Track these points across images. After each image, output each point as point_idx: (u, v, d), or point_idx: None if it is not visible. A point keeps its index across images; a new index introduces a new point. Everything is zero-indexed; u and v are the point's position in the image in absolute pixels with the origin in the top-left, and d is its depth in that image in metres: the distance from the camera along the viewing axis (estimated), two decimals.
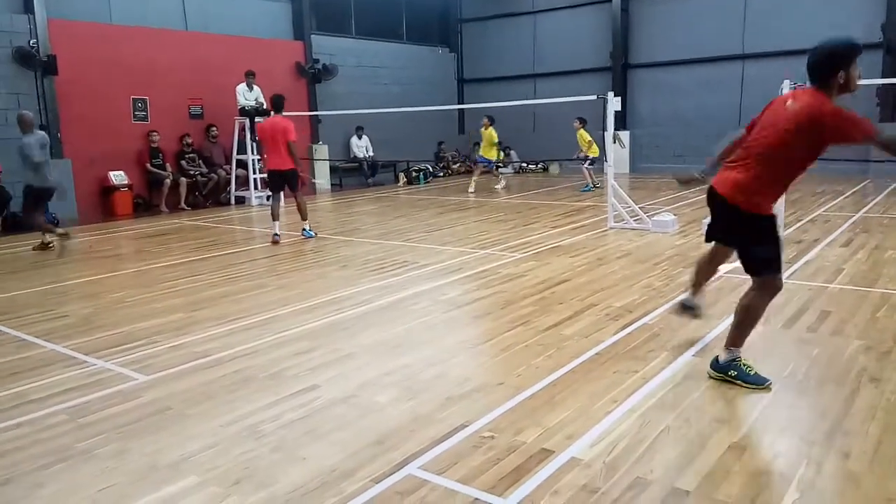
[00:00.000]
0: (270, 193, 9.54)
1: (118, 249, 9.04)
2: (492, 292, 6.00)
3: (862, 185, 12.83)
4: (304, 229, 9.26)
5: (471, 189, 14.36)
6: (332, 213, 12.41)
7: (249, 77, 13.55)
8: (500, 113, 15.95)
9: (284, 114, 9.35)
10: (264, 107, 13.57)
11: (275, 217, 9.09)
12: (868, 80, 11.99)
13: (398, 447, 3.15)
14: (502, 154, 16.03)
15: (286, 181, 9.08)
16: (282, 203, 9.29)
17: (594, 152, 13.88)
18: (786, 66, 14.57)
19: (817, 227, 8.63)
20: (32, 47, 11.42)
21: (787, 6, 15.39)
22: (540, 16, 19.20)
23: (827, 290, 5.65)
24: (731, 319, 4.75)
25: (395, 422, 3.43)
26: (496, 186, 14.74)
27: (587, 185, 13.93)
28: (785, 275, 6.10)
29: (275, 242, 8.89)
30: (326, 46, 16.62)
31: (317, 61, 16.19)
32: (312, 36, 16.32)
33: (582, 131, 14.03)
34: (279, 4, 15.83)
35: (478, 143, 16.20)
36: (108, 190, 12.53)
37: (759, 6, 15.80)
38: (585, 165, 13.97)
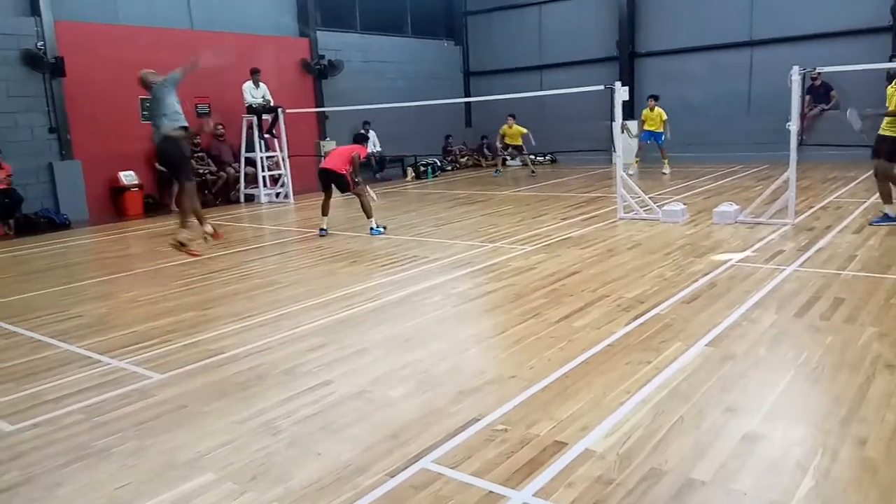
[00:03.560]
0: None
1: (130, 249, 9.10)
2: (502, 285, 6.00)
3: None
4: (371, 228, 9.04)
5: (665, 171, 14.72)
6: (341, 209, 12.40)
7: (255, 75, 13.56)
8: (506, 105, 15.90)
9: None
10: (271, 104, 13.59)
11: (323, 213, 9.29)
12: (877, 63, 11.94)
13: (412, 441, 3.16)
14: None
15: (334, 182, 9.12)
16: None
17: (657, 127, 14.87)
18: (795, 52, 14.51)
19: (829, 213, 8.57)
20: (40, 49, 11.48)
21: None
22: (545, 6, 19.10)
23: (840, 277, 5.62)
24: (742, 309, 4.77)
25: (409, 416, 3.44)
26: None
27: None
28: (797, 262, 6.09)
29: (320, 237, 9.07)
30: (332, 42, 16.60)
31: (322, 57, 16.19)
32: (318, 32, 16.31)
33: (658, 109, 14.63)
34: (284, 1, 15.82)
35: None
36: (118, 190, 12.60)
37: None
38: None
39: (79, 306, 6.11)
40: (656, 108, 14.71)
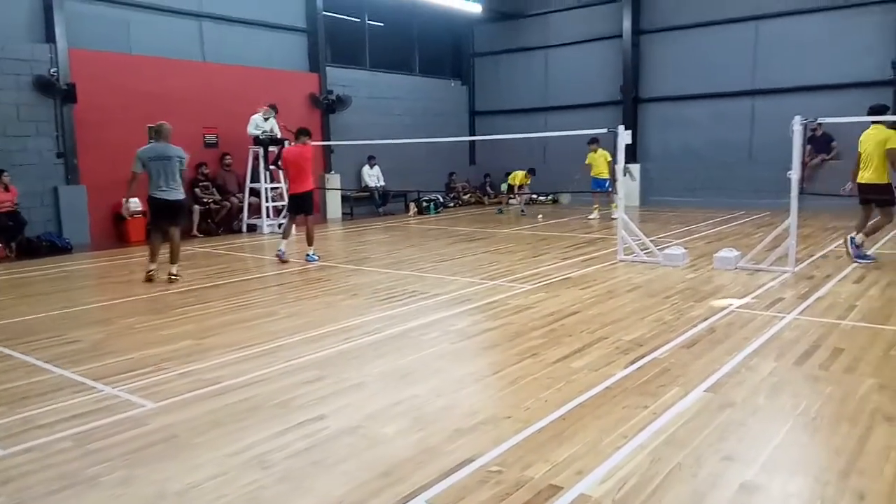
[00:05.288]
0: (287, 215, 10.48)
1: (131, 275, 9.10)
2: (501, 324, 5.99)
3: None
4: (307, 254, 9.70)
5: (592, 216, 14.84)
6: (343, 242, 12.46)
7: (271, 109, 13.73)
8: (510, 145, 16.08)
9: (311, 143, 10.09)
10: (278, 136, 13.74)
11: (286, 235, 9.92)
12: (878, 117, 12.13)
13: (405, 480, 3.12)
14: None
15: (303, 205, 9.77)
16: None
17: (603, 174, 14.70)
18: (797, 102, 14.71)
19: (829, 262, 8.58)
20: (52, 76, 11.66)
21: (796, 43, 15.51)
22: (551, 50, 19.43)
23: (839, 326, 5.60)
24: (741, 356, 4.78)
25: (403, 454, 3.40)
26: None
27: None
28: (796, 310, 6.08)
29: (281, 261, 9.63)
30: (341, 78, 16.86)
31: (331, 92, 16.42)
32: (327, 68, 16.57)
33: (602, 151, 14.49)
34: (295, 37, 16.10)
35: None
36: (121, 216, 12.62)
37: (769, 42, 15.93)
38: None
39: (76, 331, 6.09)
40: (599, 150, 14.62)
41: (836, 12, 15.02)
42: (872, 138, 8.27)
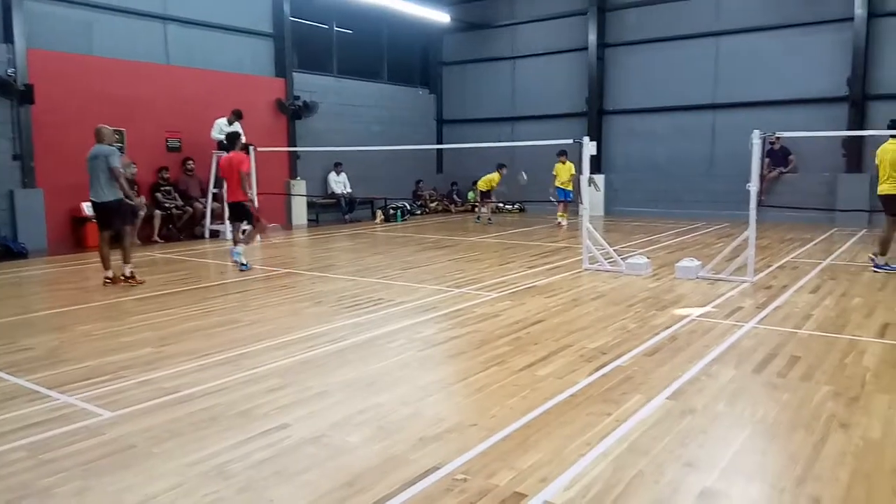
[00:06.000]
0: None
1: (87, 281, 8.89)
2: (467, 331, 5.99)
3: (829, 233, 13.13)
4: (232, 250, 9.65)
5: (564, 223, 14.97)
6: (308, 249, 12.36)
7: (235, 115, 13.55)
8: (477, 153, 16.14)
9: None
10: (243, 141, 13.56)
11: (235, 242, 9.74)
12: (834, 132, 12.52)
13: (369, 489, 3.10)
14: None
15: (242, 213, 9.76)
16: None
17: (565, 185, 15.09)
18: (756, 116, 15.10)
19: (786, 273, 8.79)
20: (10, 76, 11.35)
21: (755, 59, 15.93)
22: (519, 61, 19.63)
23: (796, 335, 5.74)
24: (702, 364, 4.85)
25: (367, 463, 3.38)
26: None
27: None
28: (755, 319, 6.21)
29: (241, 271, 9.33)
30: (308, 84, 16.76)
31: (297, 98, 16.31)
32: (294, 73, 16.46)
33: (570, 164, 14.72)
34: (262, 42, 15.97)
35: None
36: (79, 220, 12.36)
37: (729, 59, 16.33)
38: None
39: (30, 338, 5.92)
40: (567, 162, 14.88)
41: (793, 30, 15.46)
42: (891, 152, 8.52)
